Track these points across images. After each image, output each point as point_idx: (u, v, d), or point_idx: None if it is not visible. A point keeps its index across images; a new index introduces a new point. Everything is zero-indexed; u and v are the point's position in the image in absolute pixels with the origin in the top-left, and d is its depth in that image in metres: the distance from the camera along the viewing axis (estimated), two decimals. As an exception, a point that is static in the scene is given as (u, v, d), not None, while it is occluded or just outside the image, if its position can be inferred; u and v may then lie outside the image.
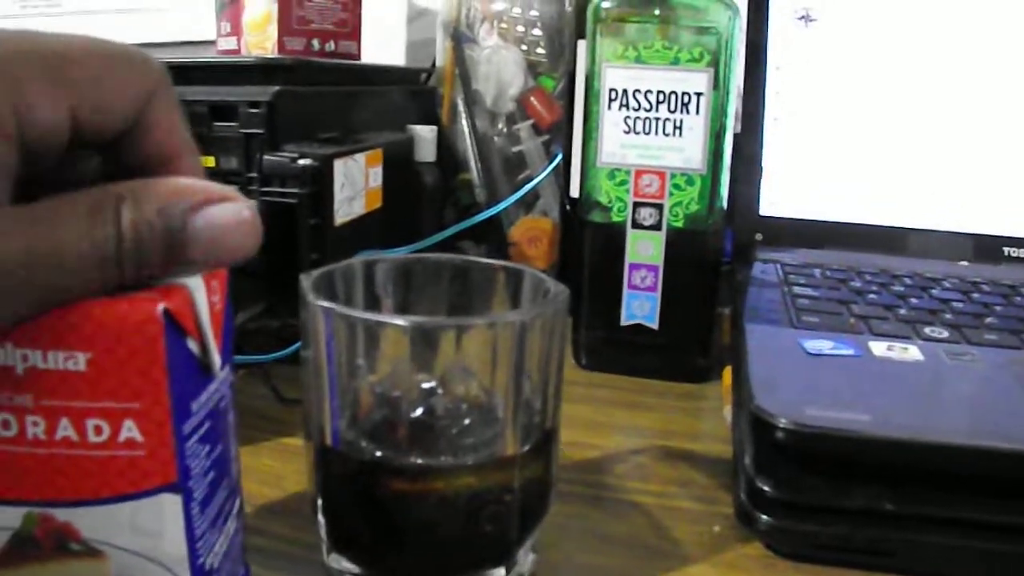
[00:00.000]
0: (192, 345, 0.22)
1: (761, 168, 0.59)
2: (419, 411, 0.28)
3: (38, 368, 0.20)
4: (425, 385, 0.28)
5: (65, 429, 0.20)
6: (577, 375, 0.51)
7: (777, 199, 0.59)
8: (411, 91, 0.72)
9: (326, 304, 0.25)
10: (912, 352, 0.37)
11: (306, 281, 0.27)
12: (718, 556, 0.33)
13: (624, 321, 0.50)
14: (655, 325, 0.50)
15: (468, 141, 0.69)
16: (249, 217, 0.21)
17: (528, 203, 0.68)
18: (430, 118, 0.70)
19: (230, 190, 0.21)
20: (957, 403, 0.34)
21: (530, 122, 0.68)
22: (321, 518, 0.28)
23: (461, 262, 0.32)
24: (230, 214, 0.21)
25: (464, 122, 0.69)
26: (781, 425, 0.30)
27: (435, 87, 0.73)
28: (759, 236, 0.58)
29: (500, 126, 0.69)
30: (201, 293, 0.22)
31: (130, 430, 0.21)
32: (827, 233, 0.57)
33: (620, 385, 0.50)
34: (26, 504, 0.21)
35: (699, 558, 0.32)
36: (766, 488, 0.32)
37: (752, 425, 0.32)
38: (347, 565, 0.28)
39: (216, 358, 0.23)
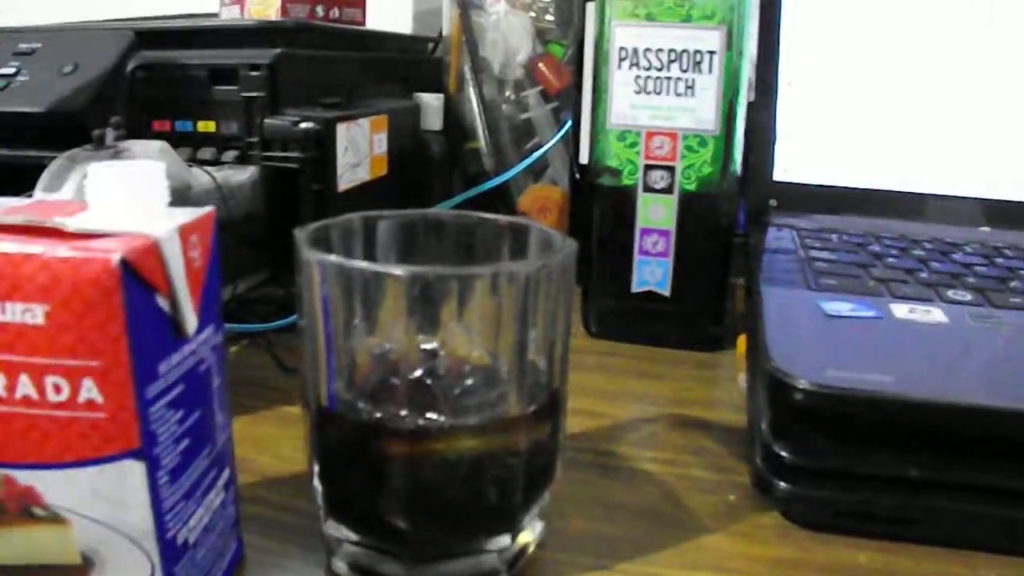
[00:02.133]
0: (161, 302, 0.20)
1: (775, 133, 0.57)
2: (419, 372, 0.26)
3: None
4: (426, 346, 0.27)
5: (25, 387, 0.19)
6: (587, 343, 0.50)
7: (791, 165, 0.57)
8: (417, 60, 0.71)
9: (321, 255, 0.24)
10: (935, 315, 0.36)
11: (302, 235, 0.26)
12: (733, 526, 0.31)
13: (635, 288, 0.49)
14: (667, 292, 0.48)
15: (475, 109, 0.67)
16: None
17: (537, 172, 0.66)
18: (436, 88, 0.68)
19: None
20: (985, 365, 0.32)
21: (539, 89, 0.66)
22: (318, 484, 0.26)
23: (465, 218, 0.31)
24: None
25: (471, 90, 0.68)
26: (800, 386, 0.28)
27: (441, 57, 0.71)
28: (773, 202, 0.56)
29: (508, 93, 0.67)
30: (174, 245, 0.21)
31: (90, 390, 0.19)
32: (843, 199, 0.55)
33: (631, 354, 0.48)
34: (-11, 466, 0.20)
35: (714, 528, 0.31)
36: (783, 453, 0.30)
37: (769, 387, 0.30)
38: (345, 532, 0.26)
39: (190, 317, 0.22)
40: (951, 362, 0.32)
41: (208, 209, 0.24)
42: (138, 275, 0.19)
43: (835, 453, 0.30)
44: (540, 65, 0.66)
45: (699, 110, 0.46)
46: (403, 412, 0.25)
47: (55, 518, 0.20)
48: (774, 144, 0.57)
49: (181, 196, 0.42)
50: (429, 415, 0.25)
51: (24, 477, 0.20)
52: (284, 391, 0.41)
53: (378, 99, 0.59)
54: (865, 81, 0.56)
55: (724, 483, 0.34)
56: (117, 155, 0.38)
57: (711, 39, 0.45)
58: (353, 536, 0.26)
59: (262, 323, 0.47)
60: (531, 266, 0.24)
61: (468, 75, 0.68)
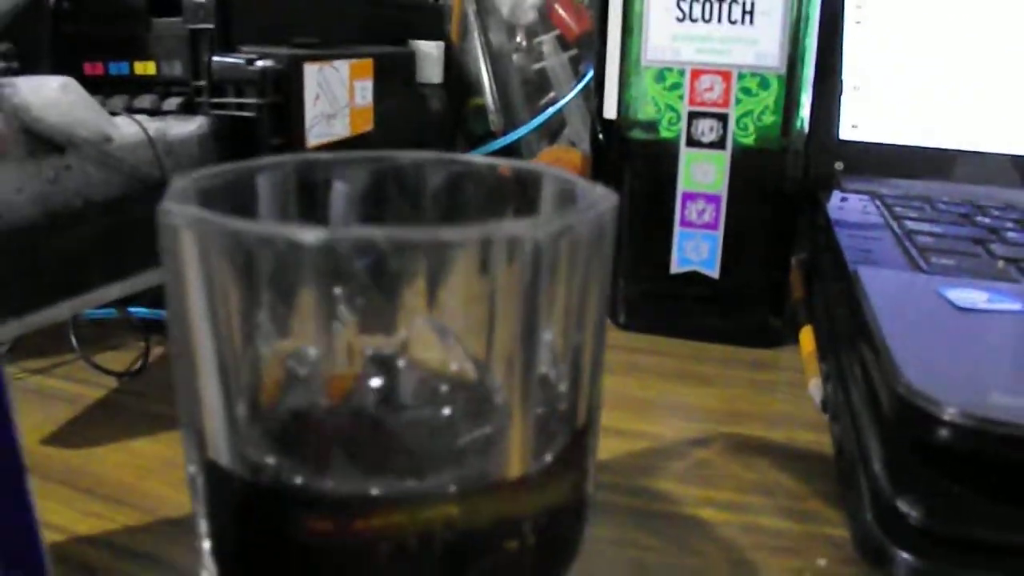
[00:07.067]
0: None
1: (841, 82, 0.47)
2: (364, 398, 0.17)
3: None
4: (374, 353, 0.17)
5: None
6: (614, 337, 0.40)
7: (860, 120, 0.47)
8: (415, 3, 0.61)
9: (198, 214, 0.14)
10: (1102, 307, 0.26)
11: (179, 184, 0.16)
12: (831, 607, 0.22)
13: (675, 268, 0.39)
14: (715, 273, 0.39)
15: (481, 59, 0.58)
16: None
17: (552, 132, 0.57)
18: (437, 36, 0.59)
19: None
20: None
21: (555, 34, 0.56)
22: (211, 564, 0.17)
23: (451, 164, 0.21)
24: None
25: (476, 36, 0.58)
26: (951, 419, 0.19)
27: (442, 3, 0.61)
28: (839, 165, 0.47)
29: (519, 40, 0.58)
30: None
31: None
32: (925, 161, 0.46)
33: (670, 351, 0.39)
34: None
35: (803, 610, 0.22)
36: (911, 512, 0.21)
37: (899, 418, 0.21)
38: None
39: None
40: None
41: None
42: None
43: (989, 517, 0.20)
44: (556, 6, 0.56)
45: (761, 42, 0.36)
46: (336, 470, 0.15)
47: None
48: (840, 95, 0.47)
49: (97, 150, 0.33)
50: (379, 475, 0.15)
51: None
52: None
53: (365, 45, 0.50)
54: (952, 16, 0.46)
55: (809, 538, 0.25)
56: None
57: (777, -50, 0.35)
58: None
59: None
60: (545, 228, 0.14)
61: (473, 19, 0.58)
